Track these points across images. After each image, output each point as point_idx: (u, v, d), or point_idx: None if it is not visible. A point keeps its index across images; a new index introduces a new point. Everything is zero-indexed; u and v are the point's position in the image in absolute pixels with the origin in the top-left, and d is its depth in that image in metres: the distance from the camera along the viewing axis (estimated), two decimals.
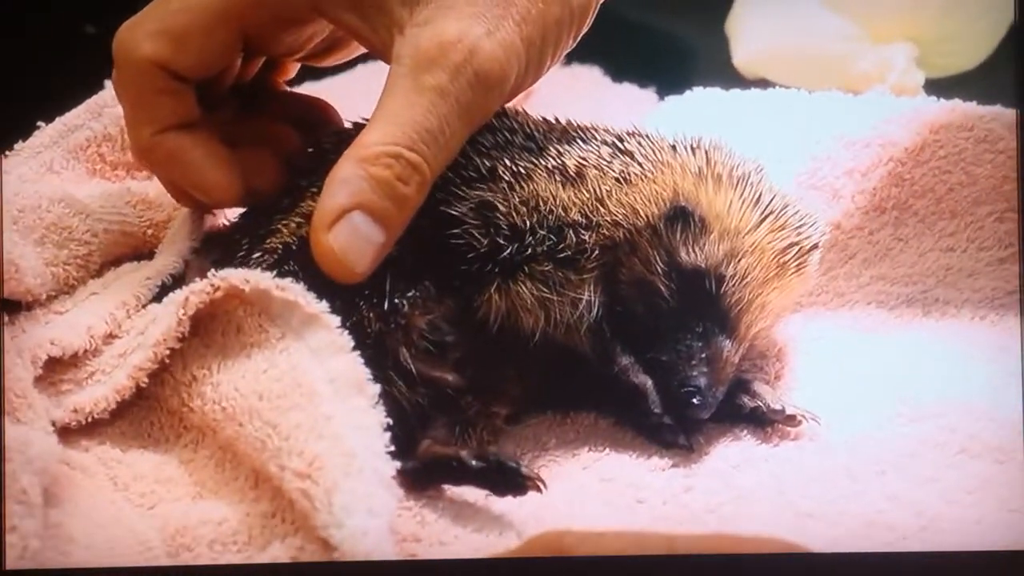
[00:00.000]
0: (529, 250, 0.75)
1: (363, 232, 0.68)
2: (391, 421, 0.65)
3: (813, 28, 1.20)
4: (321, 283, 0.70)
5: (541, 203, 0.75)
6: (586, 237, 0.75)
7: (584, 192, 0.76)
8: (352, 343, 0.68)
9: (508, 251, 0.74)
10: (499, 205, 0.74)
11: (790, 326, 0.84)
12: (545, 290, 0.75)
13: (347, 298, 0.70)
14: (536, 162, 0.76)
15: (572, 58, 1.26)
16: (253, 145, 0.78)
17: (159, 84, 0.72)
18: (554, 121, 0.81)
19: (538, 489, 0.69)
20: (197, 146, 0.74)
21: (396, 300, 0.73)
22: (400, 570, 0.61)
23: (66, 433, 0.71)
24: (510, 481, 0.69)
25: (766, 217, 0.77)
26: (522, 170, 0.76)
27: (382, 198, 0.68)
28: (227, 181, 0.75)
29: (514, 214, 0.74)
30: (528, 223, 0.75)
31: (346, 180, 0.68)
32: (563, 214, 0.75)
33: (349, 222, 0.68)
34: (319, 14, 0.73)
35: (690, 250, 0.76)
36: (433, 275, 0.75)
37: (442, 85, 0.68)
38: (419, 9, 0.69)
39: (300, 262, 0.72)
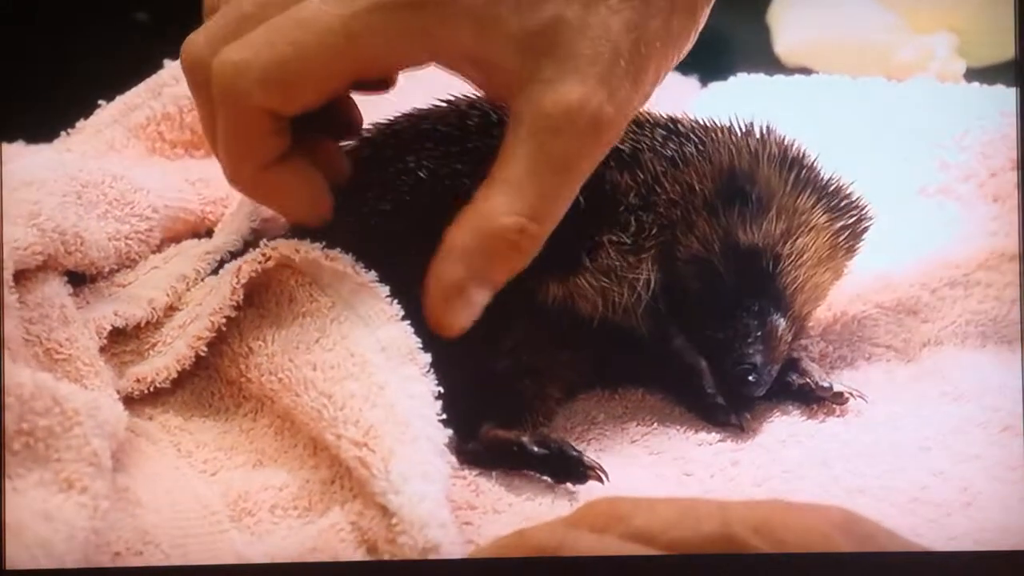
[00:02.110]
0: (592, 246, 0.75)
1: (474, 300, 0.67)
2: (442, 390, 0.66)
3: (854, 18, 1.20)
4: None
5: (603, 195, 0.75)
6: (644, 218, 0.76)
7: (640, 174, 0.76)
8: (402, 312, 0.69)
9: (573, 248, 0.75)
10: None
11: (835, 306, 0.85)
12: (606, 280, 0.75)
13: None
14: None
15: None
16: (319, 139, 0.75)
17: (266, 127, 0.68)
18: None
19: (599, 479, 0.70)
20: (294, 175, 0.71)
21: None
22: (405, 570, 0.62)
23: (129, 402, 0.72)
24: (572, 470, 0.70)
25: (822, 198, 0.78)
26: None
27: (500, 268, 0.67)
28: (321, 204, 0.73)
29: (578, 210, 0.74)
30: (591, 218, 0.74)
31: (468, 250, 0.66)
32: (624, 201, 0.76)
33: (466, 296, 0.66)
34: (436, 63, 0.69)
35: (747, 229, 0.76)
36: None
37: (567, 154, 0.65)
38: (539, 66, 0.65)
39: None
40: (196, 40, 0.68)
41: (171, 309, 0.76)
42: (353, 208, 0.75)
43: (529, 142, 0.65)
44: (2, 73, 0.81)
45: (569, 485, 0.71)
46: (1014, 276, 0.88)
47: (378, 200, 0.76)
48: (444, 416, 0.65)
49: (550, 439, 0.72)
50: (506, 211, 0.65)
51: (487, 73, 0.67)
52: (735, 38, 1.23)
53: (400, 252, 0.69)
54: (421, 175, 0.75)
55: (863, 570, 0.56)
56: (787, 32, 1.22)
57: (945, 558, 0.64)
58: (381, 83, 0.74)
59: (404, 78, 0.73)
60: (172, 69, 0.90)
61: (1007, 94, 0.95)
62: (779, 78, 1.06)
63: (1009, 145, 0.92)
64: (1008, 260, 0.89)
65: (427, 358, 0.67)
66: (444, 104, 0.80)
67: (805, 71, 1.12)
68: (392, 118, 0.81)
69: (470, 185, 0.68)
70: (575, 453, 0.71)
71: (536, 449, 0.71)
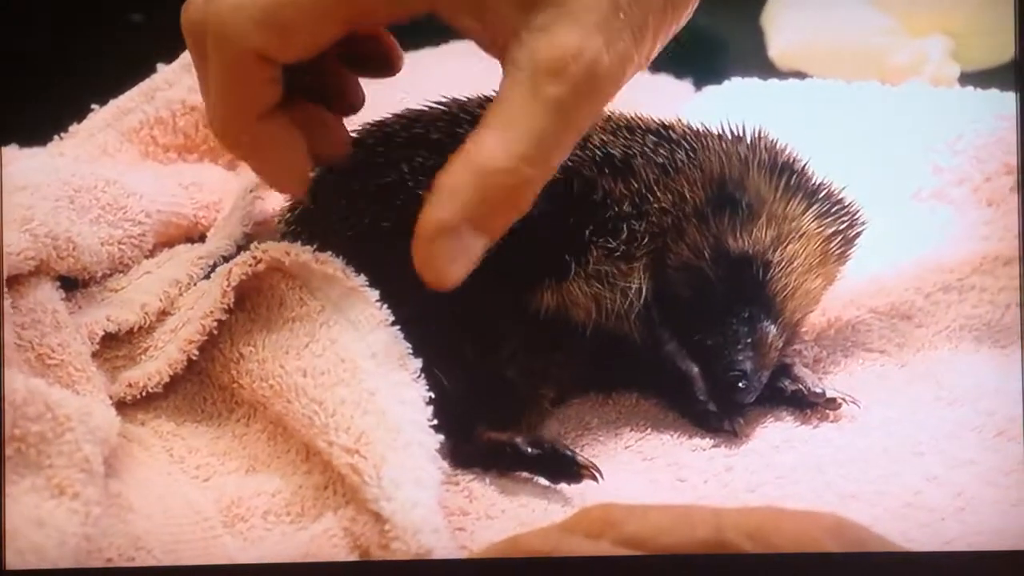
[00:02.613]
0: (583, 251, 0.75)
1: (467, 245, 0.64)
2: (433, 395, 0.66)
3: (848, 21, 1.20)
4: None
5: (595, 201, 0.75)
6: (637, 227, 0.76)
7: (633, 182, 0.76)
8: (392, 317, 0.68)
9: (565, 254, 0.75)
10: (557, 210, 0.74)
11: (829, 311, 0.85)
12: (598, 286, 0.76)
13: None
14: (581, 154, 0.76)
15: None
16: (314, 103, 0.74)
17: (262, 75, 0.66)
18: None
19: (593, 478, 0.70)
20: (281, 131, 0.70)
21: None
22: (401, 570, 0.62)
23: (122, 407, 0.72)
24: (565, 469, 0.70)
25: (812, 204, 0.78)
26: (570, 163, 0.74)
27: (493, 213, 0.64)
28: (300, 169, 0.71)
29: (570, 215, 0.74)
30: (583, 223, 0.75)
31: (457, 190, 0.63)
32: (616, 209, 0.76)
33: (456, 236, 0.64)
34: (433, 12, 0.67)
35: (738, 236, 0.76)
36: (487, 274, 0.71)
37: (561, 99, 0.63)
38: (536, 13, 0.64)
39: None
40: (195, 1, 0.68)
41: (163, 314, 0.76)
42: (344, 212, 0.75)
43: (523, 87, 0.63)
44: None
45: (564, 490, 0.71)
46: (1008, 280, 0.88)
47: (369, 203, 0.76)
48: (435, 422, 0.65)
49: (543, 439, 0.72)
50: (499, 154, 0.63)
51: (483, 22, 0.66)
52: (729, 42, 1.23)
53: (392, 256, 0.68)
54: (413, 181, 0.75)
55: (862, 570, 0.56)
56: (781, 36, 1.21)
57: (942, 559, 0.64)
58: (385, 66, 0.74)
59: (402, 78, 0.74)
60: (165, 73, 0.90)
61: (1001, 98, 0.95)
62: (773, 82, 1.06)
63: (1004, 149, 0.92)
64: (1002, 264, 0.89)
65: (417, 363, 0.67)
66: (436, 107, 0.80)
67: (799, 75, 1.12)
68: (383, 119, 0.81)
69: None
70: (568, 453, 0.71)
71: (530, 450, 0.71)
